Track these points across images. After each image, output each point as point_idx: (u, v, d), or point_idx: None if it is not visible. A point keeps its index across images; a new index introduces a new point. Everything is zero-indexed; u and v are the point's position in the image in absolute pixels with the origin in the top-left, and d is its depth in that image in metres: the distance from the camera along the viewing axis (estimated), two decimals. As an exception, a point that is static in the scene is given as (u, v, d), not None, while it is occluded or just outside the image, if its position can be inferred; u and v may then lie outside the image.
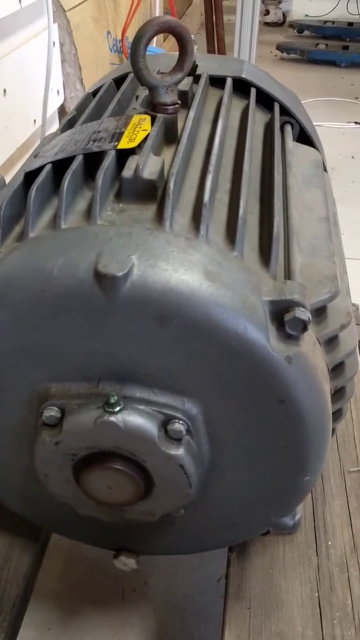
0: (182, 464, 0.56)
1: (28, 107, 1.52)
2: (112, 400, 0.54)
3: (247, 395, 0.55)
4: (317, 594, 0.71)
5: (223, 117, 0.74)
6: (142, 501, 0.60)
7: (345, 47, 4.00)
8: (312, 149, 0.88)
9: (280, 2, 4.67)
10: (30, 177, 0.63)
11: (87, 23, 1.97)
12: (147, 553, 0.72)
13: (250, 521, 0.67)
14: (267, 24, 4.63)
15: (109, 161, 0.61)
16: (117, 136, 0.64)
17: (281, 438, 0.58)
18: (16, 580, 0.73)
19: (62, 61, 1.74)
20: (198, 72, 0.84)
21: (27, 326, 0.55)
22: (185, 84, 0.77)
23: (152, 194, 0.60)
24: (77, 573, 1.06)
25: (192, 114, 0.71)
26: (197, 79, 0.83)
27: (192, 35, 0.68)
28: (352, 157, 2.63)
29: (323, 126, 2.73)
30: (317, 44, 4.08)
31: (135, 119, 0.66)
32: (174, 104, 0.68)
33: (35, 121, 1.57)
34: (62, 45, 1.73)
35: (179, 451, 0.56)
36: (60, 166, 0.63)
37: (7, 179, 0.78)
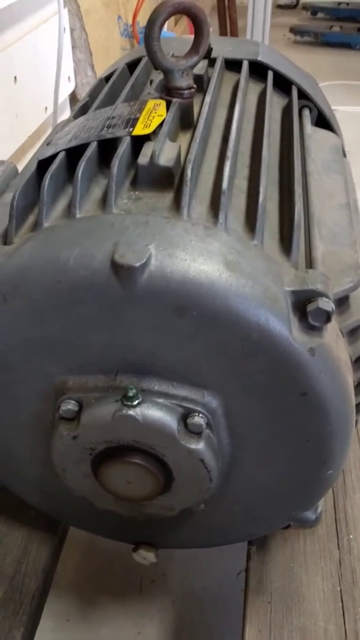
0: (203, 458, 0.55)
1: (39, 94, 1.51)
2: (131, 394, 0.53)
3: (269, 387, 0.54)
4: (339, 589, 0.69)
5: (240, 101, 0.72)
6: (162, 496, 0.59)
7: (360, 29, 3.95)
8: (331, 133, 0.86)
9: (293, -16, 4.61)
10: (43, 165, 0.62)
11: (97, 8, 1.94)
12: (166, 547, 0.72)
13: (272, 515, 0.65)
14: (279, 6, 4.57)
15: (123, 148, 0.59)
16: (132, 122, 0.62)
17: (303, 431, 0.56)
18: (35, 574, 0.72)
19: (73, 47, 1.72)
20: (213, 55, 0.82)
21: (42, 318, 0.54)
22: (201, 67, 0.75)
23: (169, 181, 0.58)
24: (95, 564, 1.06)
25: (208, 98, 0.69)
26: (212, 62, 0.80)
27: (207, 17, 0.66)
28: (368, 142, 2.59)
29: (338, 110, 2.68)
30: (331, 26, 4.02)
31: (150, 104, 0.65)
32: (189, 88, 0.66)
33: (46, 108, 1.56)
34: (72, 30, 1.70)
35: (199, 445, 0.55)
36: (73, 154, 0.62)
37: (20, 168, 0.77)
